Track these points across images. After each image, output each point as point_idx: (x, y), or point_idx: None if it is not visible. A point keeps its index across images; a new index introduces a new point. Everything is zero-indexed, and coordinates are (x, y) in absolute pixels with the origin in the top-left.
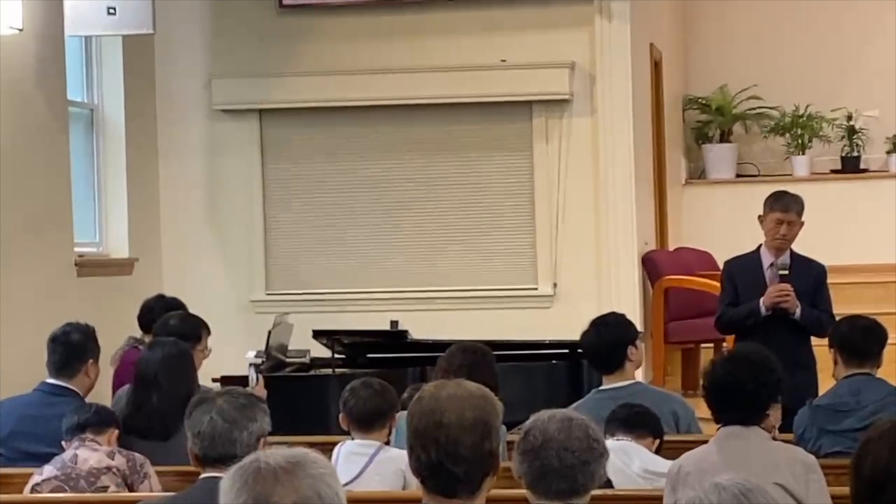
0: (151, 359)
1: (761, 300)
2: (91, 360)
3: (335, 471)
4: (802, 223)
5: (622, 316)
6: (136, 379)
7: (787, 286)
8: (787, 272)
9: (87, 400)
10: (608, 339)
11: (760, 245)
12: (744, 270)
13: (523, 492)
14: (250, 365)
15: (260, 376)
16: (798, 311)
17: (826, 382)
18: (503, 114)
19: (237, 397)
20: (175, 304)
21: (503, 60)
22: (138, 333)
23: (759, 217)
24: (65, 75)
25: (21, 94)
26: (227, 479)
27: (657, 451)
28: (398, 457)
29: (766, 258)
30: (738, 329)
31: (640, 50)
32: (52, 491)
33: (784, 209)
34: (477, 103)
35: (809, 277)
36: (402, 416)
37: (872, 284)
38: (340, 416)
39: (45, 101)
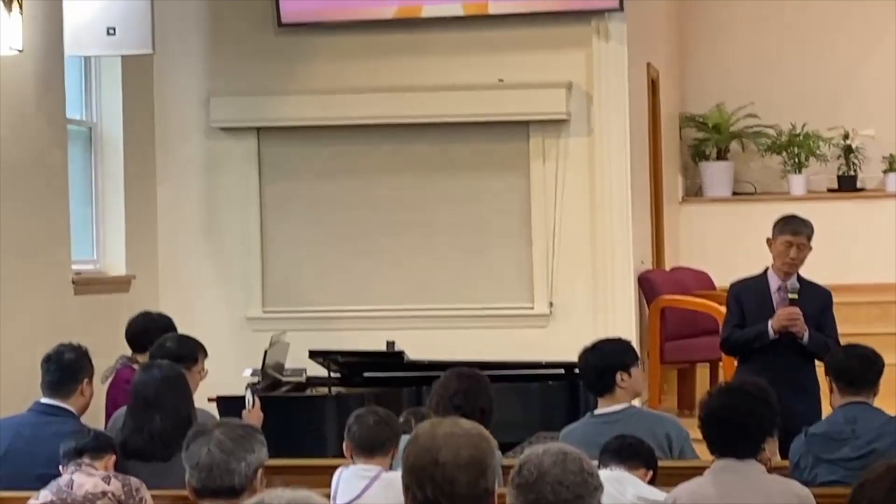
0: (149, 380)
1: (770, 323)
2: (86, 380)
3: None
4: (811, 248)
5: (621, 342)
6: (135, 400)
7: (797, 310)
8: (796, 296)
9: (82, 420)
10: (595, 364)
11: (767, 268)
12: (750, 293)
13: None
14: (247, 385)
15: (256, 397)
16: (806, 335)
17: (829, 408)
18: (500, 133)
19: (234, 428)
20: (164, 323)
21: (500, 80)
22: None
23: (768, 240)
24: (64, 94)
25: (20, 112)
26: None
27: (651, 483)
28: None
29: (774, 281)
30: (745, 351)
31: (637, 69)
32: None
33: (794, 232)
34: (474, 123)
35: (816, 302)
36: (402, 439)
37: (869, 304)
38: (344, 443)
39: (44, 119)
